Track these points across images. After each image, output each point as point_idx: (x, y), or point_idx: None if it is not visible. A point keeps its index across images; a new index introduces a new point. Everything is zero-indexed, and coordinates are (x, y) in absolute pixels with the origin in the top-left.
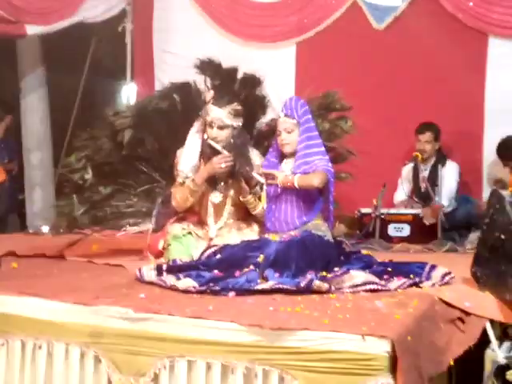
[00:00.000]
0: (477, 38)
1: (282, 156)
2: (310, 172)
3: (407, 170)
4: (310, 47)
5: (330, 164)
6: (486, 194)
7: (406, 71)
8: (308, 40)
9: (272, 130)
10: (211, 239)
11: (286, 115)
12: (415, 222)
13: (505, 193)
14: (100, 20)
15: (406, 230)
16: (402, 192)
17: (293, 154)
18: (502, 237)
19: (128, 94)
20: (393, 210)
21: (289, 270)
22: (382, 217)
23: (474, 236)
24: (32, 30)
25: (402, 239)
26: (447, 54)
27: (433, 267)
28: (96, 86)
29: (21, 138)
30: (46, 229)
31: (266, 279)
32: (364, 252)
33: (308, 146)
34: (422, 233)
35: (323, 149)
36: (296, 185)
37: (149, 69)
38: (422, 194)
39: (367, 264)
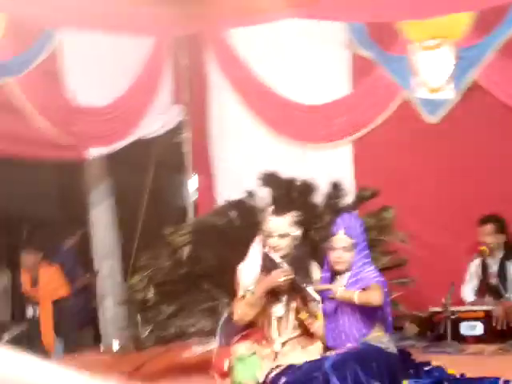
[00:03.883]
0: None
1: (332, 270)
2: (364, 287)
3: (475, 265)
4: (366, 144)
5: (380, 275)
6: None
7: (465, 163)
8: (363, 137)
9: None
10: (276, 354)
11: (345, 233)
12: (488, 318)
13: None
14: (158, 134)
15: (479, 328)
16: (469, 289)
17: (344, 271)
18: None
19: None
20: (463, 308)
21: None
22: (453, 317)
23: None
24: (93, 152)
25: (475, 338)
26: (504, 143)
27: (506, 383)
28: (159, 193)
29: (91, 248)
30: (116, 345)
31: None
32: (434, 363)
33: (362, 265)
34: (497, 330)
35: (373, 266)
36: (356, 301)
37: (207, 176)
38: (493, 289)
39: (437, 379)
